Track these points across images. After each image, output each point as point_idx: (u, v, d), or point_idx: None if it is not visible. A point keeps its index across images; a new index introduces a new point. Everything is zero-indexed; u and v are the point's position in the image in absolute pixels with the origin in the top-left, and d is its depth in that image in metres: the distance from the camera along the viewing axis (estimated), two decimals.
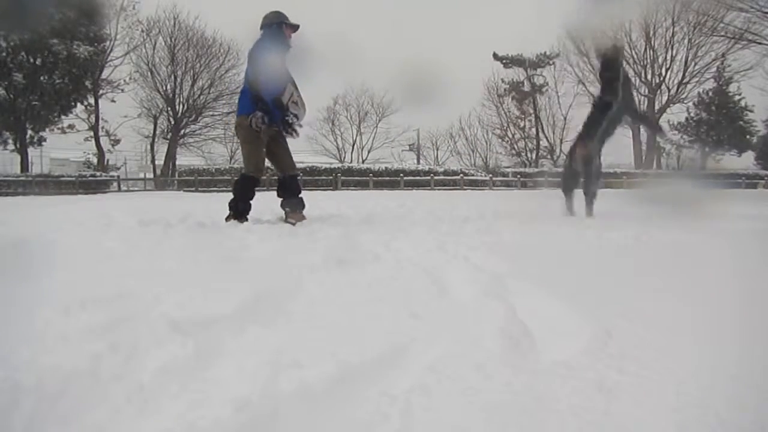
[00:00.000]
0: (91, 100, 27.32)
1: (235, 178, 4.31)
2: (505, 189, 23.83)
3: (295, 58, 4.22)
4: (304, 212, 4.25)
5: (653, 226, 3.29)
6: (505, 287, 1.78)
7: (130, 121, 30.26)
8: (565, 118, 34.82)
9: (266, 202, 4.78)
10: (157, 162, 31.25)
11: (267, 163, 4.34)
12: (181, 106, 30.55)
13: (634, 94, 4.19)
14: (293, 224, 3.91)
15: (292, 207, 4.23)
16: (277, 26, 4.11)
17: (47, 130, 25.45)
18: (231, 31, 30.12)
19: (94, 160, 28.86)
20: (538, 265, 2.32)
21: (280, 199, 4.31)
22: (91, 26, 23.93)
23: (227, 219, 4.06)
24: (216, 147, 34.02)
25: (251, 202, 4.15)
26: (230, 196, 4.19)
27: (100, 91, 27.57)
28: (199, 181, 25.12)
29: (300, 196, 4.29)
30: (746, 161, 32.87)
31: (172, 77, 30.02)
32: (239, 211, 4.07)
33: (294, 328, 1.40)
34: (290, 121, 4.12)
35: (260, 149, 4.12)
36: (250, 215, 4.16)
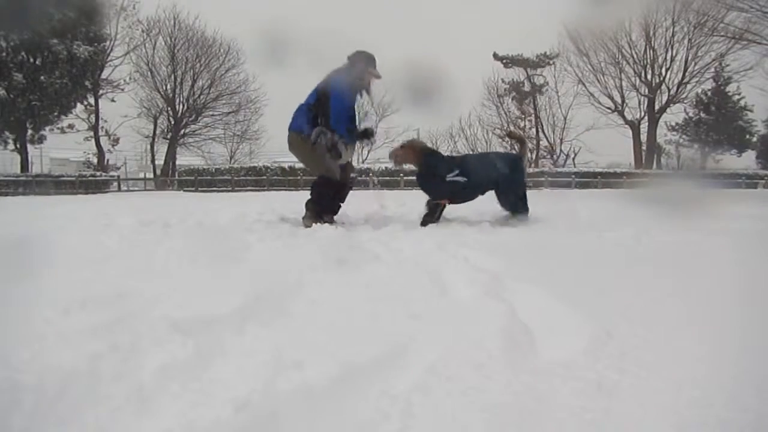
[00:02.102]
0: (91, 100, 27.32)
1: (314, 182, 4.21)
2: None
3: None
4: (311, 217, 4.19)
5: (653, 226, 3.29)
6: (505, 287, 1.78)
7: (130, 121, 30.27)
8: (565, 118, 34.85)
9: (266, 202, 4.78)
10: (157, 162, 31.25)
11: (299, 164, 4.30)
12: (181, 106, 30.55)
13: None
14: (309, 226, 3.82)
15: (311, 208, 4.13)
16: (362, 66, 4.12)
17: (47, 129, 25.43)
18: (231, 31, 30.15)
19: (94, 160, 28.84)
20: (538, 265, 2.32)
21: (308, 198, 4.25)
22: (91, 26, 23.92)
23: (304, 218, 4.00)
24: (216, 147, 34.05)
25: (336, 201, 4.15)
26: (231, 196, 4.18)
27: (100, 91, 27.56)
28: (199, 181, 25.11)
29: (340, 203, 4.25)
30: (746, 161, 32.90)
31: (172, 77, 30.02)
32: (318, 212, 4.01)
33: (294, 328, 1.40)
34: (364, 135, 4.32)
35: (323, 155, 4.05)
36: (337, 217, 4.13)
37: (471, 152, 35.58)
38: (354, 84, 4.12)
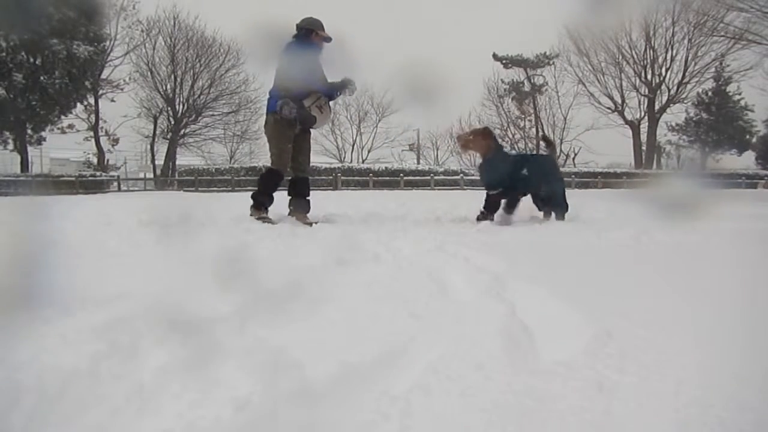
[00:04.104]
0: (91, 100, 27.32)
1: (261, 173, 4.41)
2: None
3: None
4: (309, 216, 4.27)
5: (653, 226, 3.29)
6: (506, 287, 1.78)
7: (130, 121, 30.29)
8: (565, 118, 34.88)
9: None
10: (157, 162, 31.25)
11: None
12: (181, 106, 30.56)
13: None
14: (310, 225, 3.93)
15: (297, 207, 4.29)
16: (307, 31, 4.20)
17: (47, 129, 25.43)
18: (231, 30, 30.13)
19: (94, 160, 28.83)
20: (538, 265, 2.32)
21: (289, 198, 4.38)
22: (91, 26, 23.92)
23: (251, 214, 4.12)
24: (216, 147, 34.07)
25: (273, 195, 4.23)
26: (230, 196, 4.24)
27: (100, 91, 27.58)
28: (199, 181, 25.12)
29: (308, 198, 4.35)
30: (746, 161, 32.90)
31: (172, 77, 30.03)
32: (260, 202, 4.14)
33: (294, 328, 1.40)
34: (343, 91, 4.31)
35: (286, 144, 4.20)
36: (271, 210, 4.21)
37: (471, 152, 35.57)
38: (304, 48, 4.15)
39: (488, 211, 4.18)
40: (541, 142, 5.02)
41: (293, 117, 4.08)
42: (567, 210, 4.30)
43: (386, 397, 1.02)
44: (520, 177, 4.13)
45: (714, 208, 4.07)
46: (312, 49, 4.21)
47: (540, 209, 4.41)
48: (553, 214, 4.32)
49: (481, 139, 4.27)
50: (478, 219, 4.18)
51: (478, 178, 4.27)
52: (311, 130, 4.42)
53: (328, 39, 4.28)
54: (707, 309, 1.57)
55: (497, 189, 4.19)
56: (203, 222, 4.19)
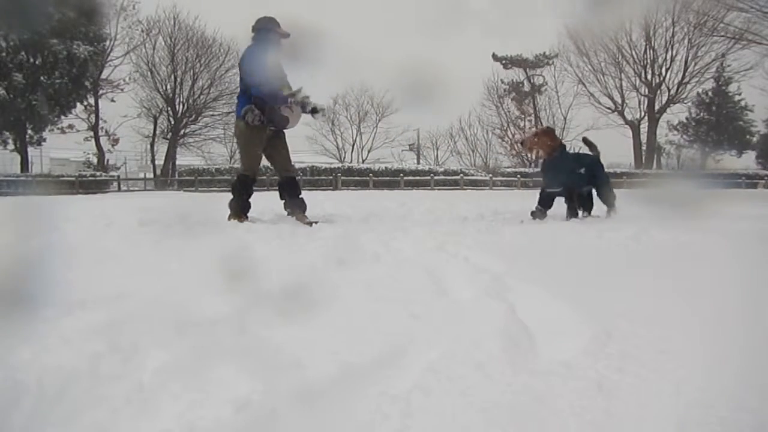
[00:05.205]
0: (91, 100, 27.33)
1: (233, 179, 4.38)
2: (505, 189, 23.84)
3: (292, 58, 4.28)
4: (307, 214, 4.27)
5: (653, 226, 3.28)
6: (505, 287, 1.78)
7: (130, 121, 30.29)
8: (565, 118, 34.87)
9: (266, 203, 4.78)
10: (157, 162, 31.25)
11: (265, 162, 4.42)
12: (181, 106, 30.55)
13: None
14: (310, 225, 3.92)
15: (294, 208, 4.28)
16: (266, 31, 4.16)
17: (47, 130, 25.43)
18: (231, 31, 30.11)
19: (94, 160, 28.83)
20: (538, 265, 2.32)
21: (283, 201, 4.36)
22: (91, 26, 23.92)
23: (228, 218, 4.10)
24: (216, 147, 34.05)
25: (250, 201, 4.22)
26: (230, 196, 4.23)
27: (100, 91, 27.59)
28: (199, 181, 25.12)
29: (300, 197, 4.33)
30: (746, 161, 32.89)
31: (172, 77, 30.02)
32: (238, 210, 4.12)
33: (294, 328, 1.40)
34: (306, 105, 4.21)
35: (255, 150, 4.19)
36: (250, 215, 4.19)
37: (471, 152, 35.57)
38: (264, 51, 4.12)
39: (544, 208, 4.35)
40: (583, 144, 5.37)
41: (260, 122, 4.04)
42: (614, 205, 4.53)
43: (386, 397, 1.02)
44: (576, 176, 4.37)
45: (714, 208, 4.07)
46: (274, 48, 4.16)
47: (580, 207, 4.58)
48: (586, 211, 4.55)
49: (547, 140, 4.44)
50: (533, 215, 4.35)
51: (540, 177, 4.49)
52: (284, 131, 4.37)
53: (287, 35, 4.23)
54: (707, 309, 1.57)
55: (559, 188, 4.37)
56: (203, 222, 4.19)
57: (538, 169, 5.65)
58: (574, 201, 4.54)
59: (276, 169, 4.40)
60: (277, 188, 4.40)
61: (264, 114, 4.05)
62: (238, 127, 4.17)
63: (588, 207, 4.58)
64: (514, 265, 2.19)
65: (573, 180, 4.37)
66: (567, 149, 4.59)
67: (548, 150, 4.44)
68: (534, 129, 4.93)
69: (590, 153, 4.81)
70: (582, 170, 4.42)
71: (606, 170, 4.70)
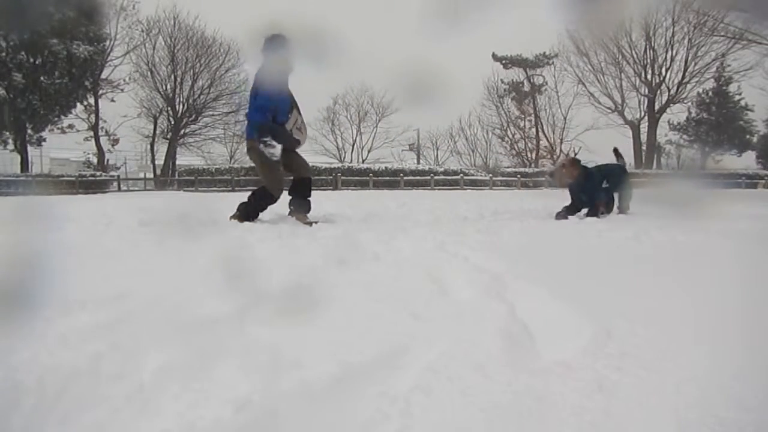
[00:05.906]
0: (91, 100, 27.34)
1: (257, 188, 4.34)
2: (505, 189, 23.86)
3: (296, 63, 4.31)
4: (309, 216, 4.27)
5: (653, 226, 3.29)
6: (505, 287, 1.78)
7: (130, 121, 30.30)
8: (565, 118, 34.88)
9: None
10: (157, 162, 31.26)
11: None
12: (181, 106, 30.55)
13: None
14: (310, 225, 3.92)
15: (297, 207, 4.28)
16: (276, 50, 4.15)
17: (47, 129, 25.44)
18: (231, 31, 30.14)
19: (94, 160, 28.85)
20: (538, 264, 2.32)
21: (289, 198, 4.37)
22: (90, 26, 23.92)
23: (231, 217, 4.11)
24: (216, 147, 34.08)
25: (260, 214, 4.23)
26: (231, 195, 4.23)
27: (100, 91, 27.59)
28: (199, 181, 25.11)
29: (309, 199, 4.35)
30: (746, 161, 32.88)
31: (172, 77, 30.03)
32: (245, 214, 4.13)
33: (294, 328, 1.40)
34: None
35: (278, 168, 4.20)
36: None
37: (471, 152, 35.57)
38: (274, 72, 4.15)
39: (569, 213, 4.76)
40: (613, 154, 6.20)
41: (276, 150, 4.05)
42: (629, 208, 5.13)
43: (386, 397, 1.02)
44: (602, 191, 4.94)
45: (714, 208, 4.07)
46: (287, 68, 4.20)
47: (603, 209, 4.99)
48: (606, 212, 4.94)
49: (573, 170, 4.98)
50: (558, 216, 4.73)
51: (570, 196, 4.98)
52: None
53: (292, 66, 4.26)
54: (707, 309, 1.57)
55: (587, 205, 4.85)
56: (203, 222, 4.19)
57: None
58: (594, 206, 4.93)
59: (293, 172, 4.40)
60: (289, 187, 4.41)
61: (277, 140, 4.04)
62: (253, 148, 4.16)
63: (609, 209, 5.04)
64: (514, 265, 2.19)
65: (599, 196, 4.91)
66: (590, 169, 5.05)
67: (572, 175, 4.94)
68: (561, 161, 5.52)
69: (616, 162, 5.40)
70: (606, 183, 4.97)
71: (631, 181, 5.29)
